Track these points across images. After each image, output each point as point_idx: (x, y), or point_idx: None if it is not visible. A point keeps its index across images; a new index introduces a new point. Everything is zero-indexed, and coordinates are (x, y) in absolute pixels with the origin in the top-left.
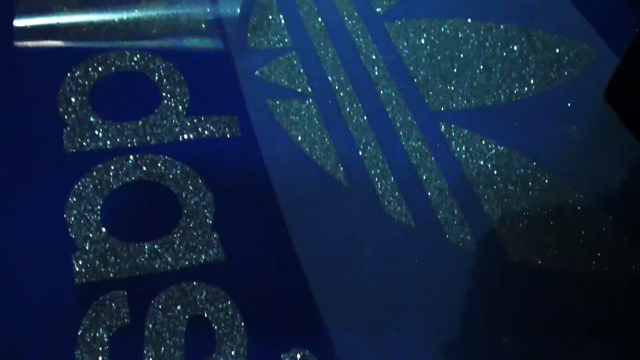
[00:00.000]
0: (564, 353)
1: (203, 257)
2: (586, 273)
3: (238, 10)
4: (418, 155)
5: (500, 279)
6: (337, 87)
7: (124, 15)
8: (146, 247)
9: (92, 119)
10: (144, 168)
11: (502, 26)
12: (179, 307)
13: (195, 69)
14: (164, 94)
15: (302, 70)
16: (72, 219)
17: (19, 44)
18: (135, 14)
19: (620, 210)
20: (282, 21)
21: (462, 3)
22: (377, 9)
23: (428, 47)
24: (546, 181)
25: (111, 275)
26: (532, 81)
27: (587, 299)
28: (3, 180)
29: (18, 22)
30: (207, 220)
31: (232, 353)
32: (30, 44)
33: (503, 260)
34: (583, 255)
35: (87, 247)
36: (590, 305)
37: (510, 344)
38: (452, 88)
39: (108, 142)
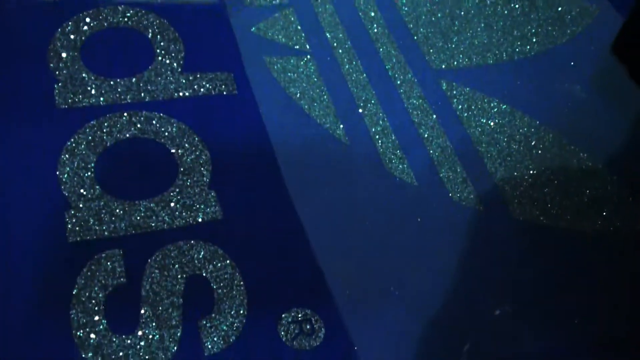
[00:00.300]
0: (570, 313)
1: (200, 216)
2: (590, 232)
3: None
4: (419, 113)
5: (504, 238)
6: (335, 44)
7: None
8: (142, 205)
9: (84, 75)
10: (139, 125)
11: None
12: (176, 266)
13: (190, 25)
14: (158, 51)
15: (299, 27)
16: (65, 176)
17: None
18: None
19: (624, 169)
20: None
21: None
22: None
23: (428, 4)
24: (550, 140)
25: (106, 233)
26: (534, 39)
27: (592, 258)
28: None
29: None
30: (204, 178)
31: (232, 312)
32: None
33: (507, 218)
34: (587, 214)
35: (80, 205)
36: (595, 265)
37: (513, 305)
38: (453, 46)
39: (101, 99)
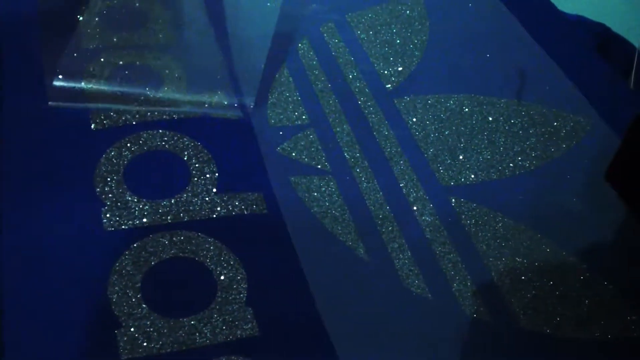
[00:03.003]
0: None
1: (239, 332)
2: (591, 340)
3: (258, 88)
4: (432, 229)
5: (512, 349)
6: (353, 164)
7: (152, 94)
8: (185, 322)
9: (128, 197)
10: (179, 245)
11: (502, 100)
12: None
13: (221, 147)
14: (194, 172)
15: (320, 147)
16: (115, 296)
17: (55, 127)
18: (161, 94)
19: (620, 280)
20: (299, 98)
21: (465, 78)
22: (387, 85)
23: (436, 122)
24: (551, 252)
25: (154, 351)
26: (533, 154)
27: None
28: (49, 261)
29: (52, 104)
30: (241, 295)
31: None
32: (66, 122)
33: (515, 329)
34: (587, 323)
35: (130, 324)
36: None
37: None
38: (460, 163)
39: (144, 220)
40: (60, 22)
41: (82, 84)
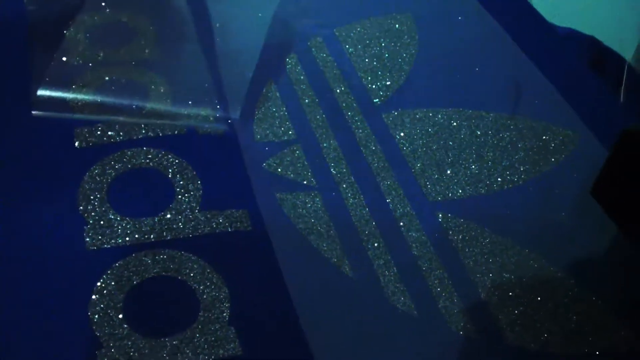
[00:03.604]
0: None
1: (221, 352)
2: (579, 356)
3: (244, 104)
4: (418, 245)
5: None
6: (339, 179)
7: (137, 110)
8: (167, 342)
9: (111, 215)
10: (162, 263)
11: (491, 114)
12: None
13: (206, 164)
14: (178, 190)
15: (306, 163)
16: (96, 316)
17: (39, 145)
18: (147, 110)
19: (607, 295)
20: (286, 113)
21: (454, 92)
22: (375, 100)
23: (423, 136)
24: (538, 268)
25: None
26: (521, 168)
27: None
28: (29, 280)
29: (36, 117)
30: (224, 314)
31: None
32: (50, 140)
33: (502, 346)
34: (575, 338)
35: (111, 344)
36: None
37: None
38: (447, 178)
39: (127, 239)
40: (50, 38)
41: (68, 99)
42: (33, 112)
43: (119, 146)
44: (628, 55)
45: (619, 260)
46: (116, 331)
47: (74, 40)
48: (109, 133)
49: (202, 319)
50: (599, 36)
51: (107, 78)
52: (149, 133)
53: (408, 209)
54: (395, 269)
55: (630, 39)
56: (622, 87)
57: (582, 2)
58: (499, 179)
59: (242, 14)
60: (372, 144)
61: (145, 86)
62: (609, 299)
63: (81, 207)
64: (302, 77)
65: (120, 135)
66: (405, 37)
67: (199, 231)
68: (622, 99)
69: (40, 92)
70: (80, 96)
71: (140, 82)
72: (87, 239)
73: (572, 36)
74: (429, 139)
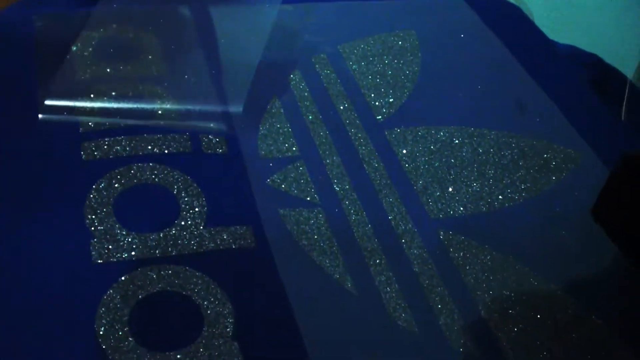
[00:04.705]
0: None
1: None
2: None
3: (249, 120)
4: (419, 262)
5: None
6: (342, 196)
7: (144, 125)
8: (171, 356)
9: (117, 230)
10: (167, 278)
11: (493, 132)
12: None
13: (211, 180)
14: (183, 206)
15: (309, 179)
16: (102, 329)
17: (46, 158)
18: (153, 125)
19: (607, 314)
20: (290, 129)
21: (456, 109)
22: (378, 117)
23: (426, 154)
24: (539, 286)
25: None
26: (522, 186)
27: None
28: (36, 293)
29: (42, 117)
30: (228, 329)
31: None
32: (57, 154)
33: None
34: (575, 357)
35: (116, 357)
36: None
37: None
38: (449, 195)
39: (133, 253)
40: (57, 54)
41: (75, 114)
42: (40, 127)
43: (125, 160)
44: (630, 73)
45: (620, 280)
46: (122, 344)
47: (80, 56)
48: (116, 148)
49: (206, 333)
50: (601, 54)
51: (113, 93)
52: (155, 149)
53: (410, 226)
54: (396, 285)
55: (633, 57)
56: (624, 106)
57: (584, 20)
58: (500, 197)
59: (246, 31)
60: (375, 161)
61: (152, 102)
62: (609, 318)
63: (87, 221)
64: (306, 94)
65: (127, 150)
66: (408, 54)
67: (204, 247)
68: (623, 118)
69: (47, 107)
70: (87, 111)
71: (146, 97)
72: (94, 253)
73: (574, 54)
74: (431, 156)
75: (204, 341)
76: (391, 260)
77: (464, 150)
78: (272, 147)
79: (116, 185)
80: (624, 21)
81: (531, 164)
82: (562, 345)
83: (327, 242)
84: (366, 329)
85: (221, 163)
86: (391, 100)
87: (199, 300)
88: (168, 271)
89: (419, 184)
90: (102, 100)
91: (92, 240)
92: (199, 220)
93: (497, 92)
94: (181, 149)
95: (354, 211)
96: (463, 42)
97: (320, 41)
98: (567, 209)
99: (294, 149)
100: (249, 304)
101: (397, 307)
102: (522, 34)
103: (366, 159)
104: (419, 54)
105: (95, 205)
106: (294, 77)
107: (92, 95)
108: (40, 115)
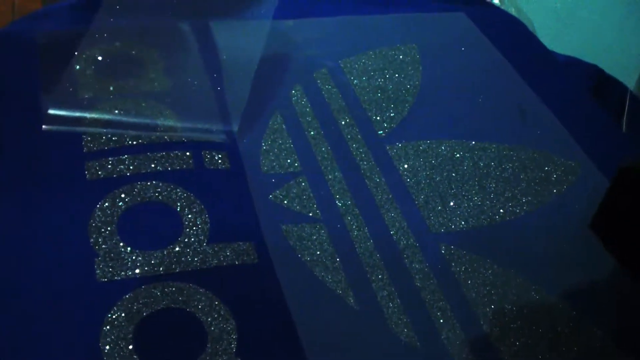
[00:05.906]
0: None
1: None
2: None
3: (251, 135)
4: (421, 277)
5: None
6: (344, 211)
7: (147, 142)
8: None
9: (121, 248)
10: (171, 296)
11: (494, 145)
12: None
13: (213, 197)
14: (186, 223)
15: (311, 195)
16: (107, 347)
17: (49, 177)
18: (155, 140)
19: (608, 326)
20: (292, 145)
21: (457, 123)
22: (379, 132)
23: (427, 168)
24: (540, 299)
25: None
26: (523, 200)
27: None
28: (40, 311)
29: (46, 153)
30: (232, 346)
31: None
32: (61, 173)
33: None
34: None
35: None
36: None
37: None
38: (450, 209)
39: (137, 271)
40: (60, 71)
41: (78, 132)
42: (44, 146)
43: (128, 179)
44: (631, 84)
45: (620, 292)
46: None
47: (83, 73)
48: (120, 167)
49: (209, 350)
50: (602, 65)
51: (116, 111)
52: (158, 167)
53: (411, 240)
54: (398, 300)
55: (633, 68)
56: (625, 116)
57: (585, 30)
58: (501, 211)
59: (248, 46)
60: (377, 175)
61: (154, 118)
62: (610, 330)
63: (92, 240)
64: (307, 109)
65: (130, 169)
66: (409, 68)
67: (207, 264)
68: (624, 128)
69: (50, 125)
70: (90, 129)
71: (149, 114)
72: (98, 271)
73: (574, 64)
74: (433, 170)
75: (207, 358)
76: (393, 276)
77: (465, 164)
78: (274, 163)
79: (120, 204)
80: (625, 32)
81: (532, 177)
82: (563, 357)
83: (329, 257)
84: (369, 344)
85: (223, 179)
86: (392, 114)
87: (203, 317)
88: (172, 288)
89: (421, 199)
90: (105, 117)
91: (96, 259)
92: (202, 237)
93: (498, 105)
94: (184, 166)
95: (355, 226)
96: (464, 55)
97: (322, 56)
98: (568, 222)
99: (296, 164)
100: (252, 320)
101: (400, 322)
102: (522, 46)
103: (368, 174)
104: (420, 68)
105: (100, 224)
106: (296, 92)
107: (95, 113)
108: (44, 132)
